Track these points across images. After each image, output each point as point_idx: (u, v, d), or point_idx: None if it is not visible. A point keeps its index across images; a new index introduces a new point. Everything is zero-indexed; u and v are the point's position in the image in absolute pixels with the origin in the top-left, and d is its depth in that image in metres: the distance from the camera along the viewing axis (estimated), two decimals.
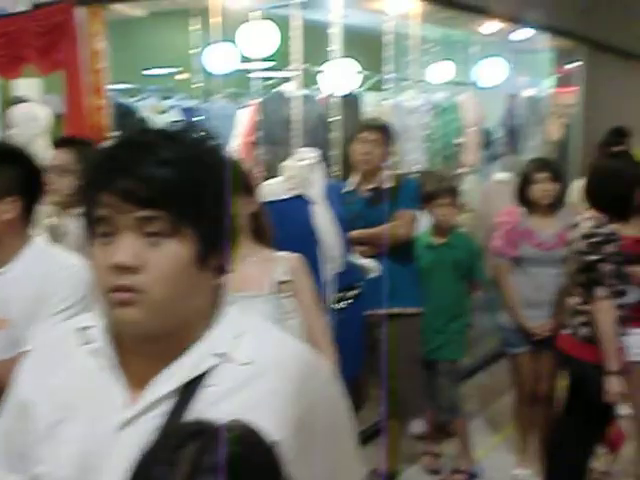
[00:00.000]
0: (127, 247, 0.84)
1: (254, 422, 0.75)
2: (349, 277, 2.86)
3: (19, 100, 3.97)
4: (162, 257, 0.85)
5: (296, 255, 2.03)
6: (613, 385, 2.56)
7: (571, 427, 2.79)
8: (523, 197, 3.23)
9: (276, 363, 0.90)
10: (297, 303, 1.99)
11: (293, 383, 0.89)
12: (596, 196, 2.69)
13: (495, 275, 3.31)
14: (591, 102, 5.54)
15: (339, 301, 2.83)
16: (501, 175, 4.64)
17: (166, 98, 4.28)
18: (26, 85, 4.19)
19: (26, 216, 1.76)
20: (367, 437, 3.56)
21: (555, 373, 3.15)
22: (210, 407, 0.84)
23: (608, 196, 2.65)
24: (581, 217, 2.73)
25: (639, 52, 6.38)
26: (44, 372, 0.96)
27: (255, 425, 0.75)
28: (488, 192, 4.60)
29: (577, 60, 5.60)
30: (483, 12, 4.07)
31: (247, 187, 1.95)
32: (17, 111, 3.86)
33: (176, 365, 0.88)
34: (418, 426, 3.52)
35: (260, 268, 1.97)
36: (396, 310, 3.11)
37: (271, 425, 0.78)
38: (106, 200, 0.84)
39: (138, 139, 0.90)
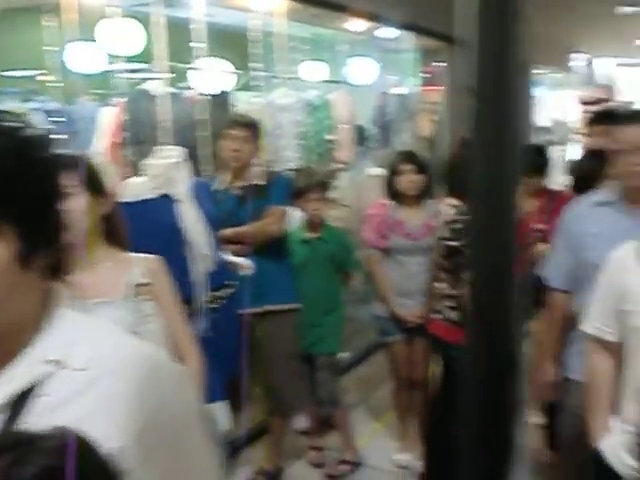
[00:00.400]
0: None
1: (85, 430, 0.70)
2: (221, 276, 2.81)
3: None
4: None
5: (154, 256, 1.95)
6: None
7: (446, 409, 2.90)
8: (391, 189, 3.31)
9: (114, 367, 0.85)
10: (157, 306, 1.92)
11: (134, 387, 0.84)
12: (454, 184, 2.80)
13: (367, 266, 3.38)
14: (456, 100, 5.80)
15: (212, 301, 2.77)
16: (373, 170, 4.75)
17: (27, 101, 4.04)
18: None
19: None
20: (252, 436, 3.53)
21: (428, 358, 3.26)
22: (44, 418, 0.78)
23: (464, 183, 2.76)
24: (443, 205, 2.83)
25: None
26: None
27: (84, 433, 0.70)
28: (362, 187, 4.70)
29: (441, 59, 5.84)
30: (346, 10, 4.14)
31: (97, 187, 1.85)
32: None
33: (4, 376, 0.81)
34: (301, 421, 3.53)
35: (115, 272, 1.87)
36: (272, 307, 3.10)
37: (110, 432, 0.75)
38: None
39: None
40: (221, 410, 2.66)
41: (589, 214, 2.23)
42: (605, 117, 3.28)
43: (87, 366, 0.84)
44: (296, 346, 3.19)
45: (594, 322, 1.81)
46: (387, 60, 5.50)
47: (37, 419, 0.78)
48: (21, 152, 0.82)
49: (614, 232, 2.13)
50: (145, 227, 2.65)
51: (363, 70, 5.18)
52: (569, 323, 2.29)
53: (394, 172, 3.28)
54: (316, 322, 3.22)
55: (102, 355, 0.86)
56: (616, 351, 1.77)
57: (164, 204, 2.65)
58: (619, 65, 11.86)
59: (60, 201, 0.87)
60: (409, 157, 3.35)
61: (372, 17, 4.42)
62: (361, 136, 5.22)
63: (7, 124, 0.83)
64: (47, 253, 0.84)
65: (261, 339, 3.13)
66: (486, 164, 0.59)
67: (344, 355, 4.13)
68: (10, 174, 0.79)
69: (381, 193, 3.46)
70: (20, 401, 0.81)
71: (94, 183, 1.82)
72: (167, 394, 0.89)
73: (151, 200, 2.65)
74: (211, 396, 2.56)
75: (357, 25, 4.67)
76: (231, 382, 2.83)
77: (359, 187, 4.75)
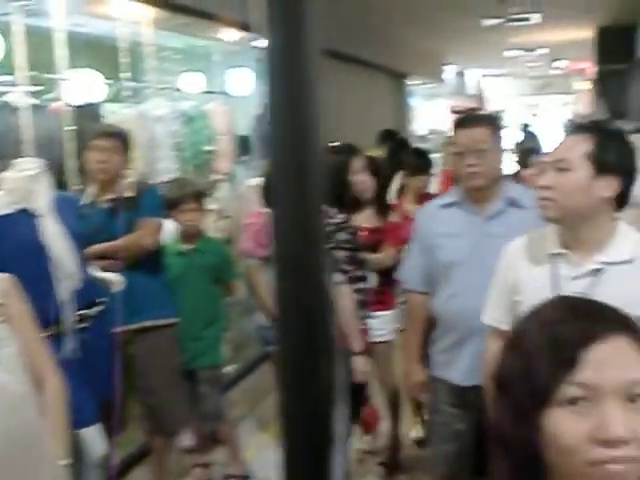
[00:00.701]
0: None
1: None
2: (90, 294, 2.68)
3: None
4: None
5: (6, 275, 1.82)
6: (359, 365, 2.71)
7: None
8: (269, 198, 3.31)
9: None
10: (11, 329, 1.79)
11: None
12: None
13: (247, 276, 3.35)
14: (327, 114, 5.88)
15: (81, 320, 2.64)
16: (254, 180, 4.74)
17: None
18: None
19: None
20: (135, 458, 3.39)
21: None
22: None
23: (330, 189, 2.80)
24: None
25: (373, 61, 6.95)
26: None
27: None
28: (242, 198, 4.67)
29: None
30: (215, 18, 4.11)
31: None
32: None
33: None
34: (186, 439, 3.43)
35: None
36: (148, 323, 3.00)
37: None
38: None
39: None
40: (94, 434, 2.54)
41: (437, 215, 2.32)
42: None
43: None
44: (176, 361, 3.10)
45: (491, 313, 1.87)
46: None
47: None
48: None
49: (461, 231, 2.23)
50: (4, 244, 2.50)
51: (240, 80, 5.16)
52: (431, 323, 2.37)
53: (270, 181, 3.28)
54: (196, 336, 3.14)
55: None
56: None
57: (23, 219, 2.51)
58: (487, 75, 12.58)
59: None
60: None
61: (244, 27, 4.42)
62: (245, 146, 5.19)
63: None
64: None
65: (137, 357, 3.01)
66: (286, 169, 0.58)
67: (229, 368, 4.07)
68: None
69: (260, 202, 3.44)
70: None
71: None
72: (9, 417, 0.83)
73: (9, 215, 2.50)
74: (83, 420, 2.44)
75: (231, 35, 4.65)
76: (105, 404, 2.71)
77: (240, 198, 4.72)
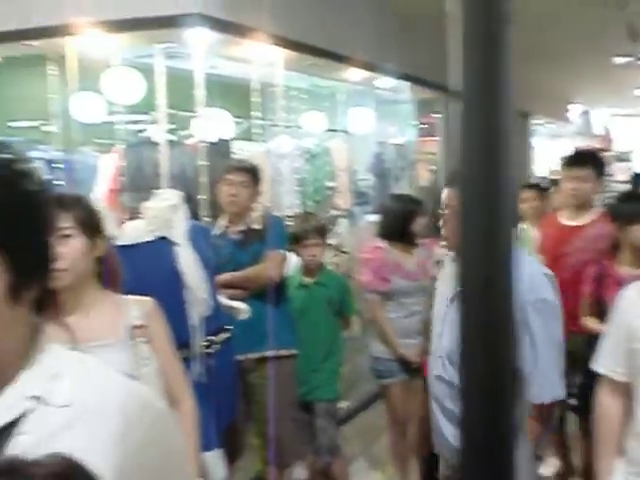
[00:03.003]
0: None
1: (77, 456, 0.68)
2: (218, 321, 2.78)
3: None
4: None
5: (148, 299, 1.93)
6: None
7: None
8: (389, 231, 3.34)
9: (99, 404, 0.82)
10: (152, 349, 1.89)
11: (119, 424, 0.82)
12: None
13: (367, 311, 3.35)
14: (451, 151, 5.86)
15: (208, 346, 2.73)
16: (372, 217, 4.77)
17: (30, 150, 4.09)
18: None
19: None
20: None
21: (426, 399, 3.20)
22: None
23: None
24: (437, 247, 2.85)
25: None
26: None
27: (77, 459, 0.67)
28: (361, 234, 4.70)
29: (437, 110, 5.94)
30: (344, 60, 4.23)
31: (94, 229, 1.85)
32: None
33: None
34: (299, 472, 3.43)
35: (111, 314, 1.85)
36: (269, 353, 3.05)
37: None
38: None
39: None
40: (216, 459, 2.59)
41: None
42: (576, 161, 3.32)
43: (70, 403, 0.81)
44: (294, 393, 3.13)
45: (605, 362, 1.79)
46: (385, 110, 5.59)
47: None
48: (14, 183, 0.82)
49: None
50: (143, 270, 2.63)
51: (361, 119, 5.26)
52: None
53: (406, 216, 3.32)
54: (315, 368, 3.17)
55: (84, 393, 0.83)
56: (625, 391, 1.73)
57: (161, 246, 2.65)
58: (615, 115, 12.07)
59: (50, 234, 0.86)
60: (415, 202, 3.43)
61: (370, 67, 4.51)
62: (359, 184, 5.26)
63: (1, 156, 0.83)
64: (36, 286, 0.82)
65: (258, 386, 3.07)
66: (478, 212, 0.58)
67: (343, 404, 4.06)
68: (4, 205, 0.79)
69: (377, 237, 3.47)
70: (0, 438, 0.78)
71: (91, 225, 1.82)
72: (152, 434, 0.86)
73: (148, 242, 2.65)
74: (206, 444, 2.50)
75: (355, 75, 4.76)
76: (227, 430, 2.77)
77: (358, 234, 4.76)
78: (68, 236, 1.74)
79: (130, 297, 1.89)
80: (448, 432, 2.03)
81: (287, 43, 3.65)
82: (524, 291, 1.83)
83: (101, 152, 4.15)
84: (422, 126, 6.19)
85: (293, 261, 3.31)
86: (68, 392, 0.82)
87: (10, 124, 4.35)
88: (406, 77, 5.10)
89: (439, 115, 5.99)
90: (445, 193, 2.12)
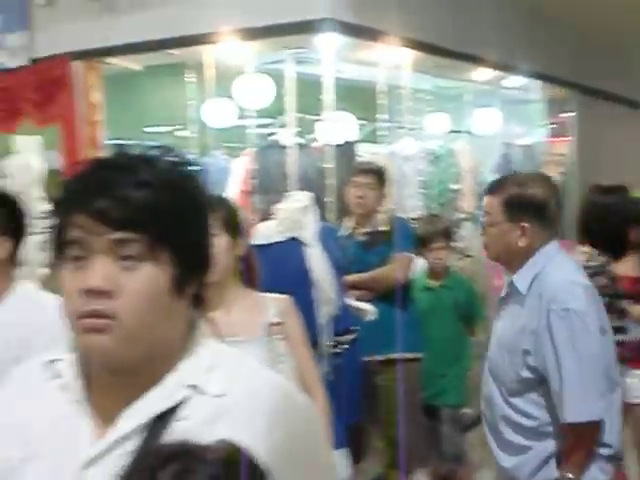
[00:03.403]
0: (100, 270, 0.80)
1: (242, 443, 0.71)
2: (345, 321, 2.81)
3: (16, 153, 4.03)
4: (137, 282, 0.81)
5: (285, 296, 1.99)
6: None
7: None
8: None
9: (249, 395, 0.86)
10: (287, 346, 1.94)
11: (268, 417, 0.85)
12: (588, 231, 2.68)
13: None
14: (585, 152, 5.58)
15: (335, 346, 2.77)
16: None
17: None
18: (25, 141, 4.24)
19: (12, 258, 1.75)
20: None
21: None
22: None
23: (600, 231, 2.63)
24: (575, 252, 2.71)
25: (633, 98, 6.46)
26: (11, 409, 0.92)
27: (243, 446, 0.71)
28: None
29: (570, 109, 5.67)
30: (474, 60, 4.14)
31: (236, 228, 1.93)
32: (11, 162, 3.91)
33: (146, 398, 0.84)
34: (422, 477, 3.39)
35: (250, 311, 1.92)
36: (395, 355, 3.04)
37: None
38: (79, 221, 0.81)
39: (114, 161, 0.88)
40: (341, 458, 2.62)
41: None
42: None
43: (224, 393, 0.85)
44: (419, 397, 3.10)
45: None
46: (512, 109, 5.41)
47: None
48: (179, 185, 0.87)
49: None
50: (274, 269, 2.72)
51: (487, 120, 5.13)
52: None
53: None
54: (441, 372, 3.13)
55: (238, 383, 0.87)
56: None
57: (292, 247, 2.71)
58: None
59: (210, 234, 0.91)
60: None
61: (499, 66, 4.39)
62: (485, 186, 5.12)
63: (169, 159, 0.89)
64: (196, 282, 0.87)
65: (383, 388, 3.07)
66: None
67: (468, 411, 3.97)
68: (172, 205, 0.84)
69: None
70: (159, 423, 0.83)
71: (233, 225, 1.90)
72: (297, 424, 0.89)
73: (280, 243, 2.72)
74: (332, 443, 2.53)
75: (482, 74, 4.65)
76: (351, 430, 2.79)
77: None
78: (213, 235, 1.83)
79: (268, 295, 1.96)
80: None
81: (416, 45, 3.63)
82: (548, 299, 1.77)
83: (231, 155, 4.32)
84: (552, 126, 5.93)
85: (419, 264, 3.28)
86: (222, 383, 0.86)
87: (146, 129, 4.63)
88: (537, 75, 4.91)
89: (571, 114, 5.72)
90: (485, 201, 2.01)
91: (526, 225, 1.87)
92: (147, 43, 3.46)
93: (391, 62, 3.93)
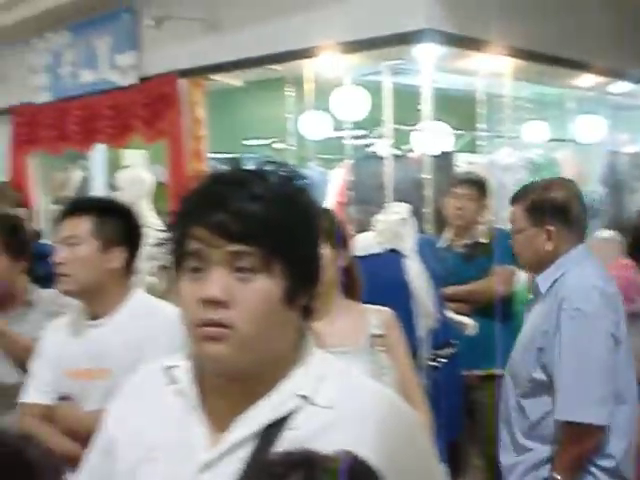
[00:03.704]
0: (218, 281, 0.83)
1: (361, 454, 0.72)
2: (444, 335, 2.77)
3: (126, 167, 4.25)
4: (252, 293, 0.84)
5: (388, 309, 1.98)
6: None
7: None
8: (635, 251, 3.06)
9: (359, 408, 0.87)
10: (390, 359, 1.93)
11: (377, 429, 0.86)
12: None
13: None
14: None
15: (433, 359, 2.73)
16: (605, 232, 4.42)
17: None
18: (133, 156, 4.47)
19: (128, 268, 1.83)
20: None
21: None
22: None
23: None
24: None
25: None
26: (130, 411, 0.96)
27: (364, 456, 0.72)
28: (592, 249, 4.38)
29: None
30: (580, 66, 3.99)
31: (340, 240, 1.94)
32: (123, 175, 4.12)
33: (258, 406, 0.87)
34: None
35: (353, 322, 1.93)
36: (495, 371, 2.96)
37: None
38: (198, 234, 0.84)
39: (231, 175, 0.91)
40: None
41: None
42: None
43: (333, 405, 0.86)
44: None
45: None
46: (618, 116, 5.17)
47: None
48: (292, 199, 0.89)
49: None
50: (372, 280, 2.72)
51: (591, 127, 4.92)
52: None
53: None
54: None
55: (348, 396, 0.88)
56: None
57: (391, 259, 2.71)
58: None
59: (320, 246, 0.92)
60: None
61: (606, 72, 4.21)
62: (588, 197, 4.92)
63: (283, 174, 0.91)
64: (306, 294, 0.89)
65: (482, 404, 2.99)
66: None
67: None
68: (287, 218, 0.86)
69: (614, 257, 3.20)
70: (271, 431, 0.85)
71: (336, 235, 1.91)
72: (406, 436, 0.89)
73: (378, 254, 2.72)
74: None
75: (586, 81, 4.47)
76: (450, 446, 2.73)
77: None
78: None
79: (370, 306, 1.96)
80: None
81: (518, 52, 3.54)
82: (562, 299, 1.79)
83: (327, 167, 4.37)
84: None
85: (521, 277, 3.18)
86: (332, 395, 0.87)
87: (244, 142, 4.76)
88: None
89: None
90: (510, 210, 2.03)
91: (551, 228, 1.90)
92: (250, 60, 3.56)
93: (490, 70, 3.85)
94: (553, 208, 1.91)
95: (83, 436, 1.47)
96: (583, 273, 1.87)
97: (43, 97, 4.69)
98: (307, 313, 0.91)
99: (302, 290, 0.88)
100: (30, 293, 2.17)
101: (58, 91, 4.59)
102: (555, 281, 1.87)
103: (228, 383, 0.88)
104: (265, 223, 0.84)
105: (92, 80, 4.31)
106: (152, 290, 2.82)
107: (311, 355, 0.91)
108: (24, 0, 4.27)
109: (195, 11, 3.71)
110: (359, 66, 3.73)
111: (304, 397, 0.86)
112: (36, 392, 1.78)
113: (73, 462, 1.16)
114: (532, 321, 1.95)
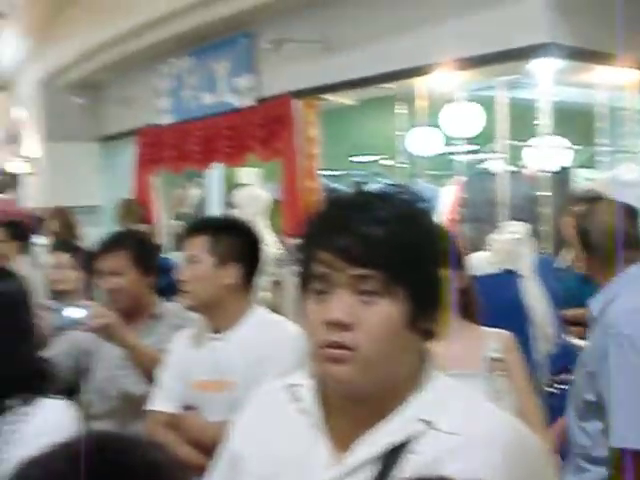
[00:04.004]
0: (342, 304, 0.85)
1: None
2: (563, 359, 2.66)
3: (242, 185, 4.40)
4: (375, 316, 0.85)
5: (507, 332, 1.93)
6: None
7: None
8: None
9: (485, 435, 0.85)
10: (509, 383, 1.88)
11: (504, 455, 0.84)
12: None
13: None
14: None
15: (551, 385, 2.63)
16: None
17: (370, 182, 4.48)
18: (248, 174, 4.63)
19: (247, 283, 1.89)
20: None
21: None
22: (413, 475, 0.81)
23: None
24: None
25: None
26: (255, 427, 0.99)
27: None
28: None
29: None
30: None
31: (457, 260, 1.92)
32: (240, 193, 4.27)
33: (381, 429, 0.87)
34: None
35: (470, 345, 1.90)
36: None
37: None
38: (323, 258, 0.86)
39: (353, 199, 0.92)
40: None
41: None
42: None
43: (457, 431, 0.85)
44: None
45: None
46: None
47: (407, 475, 0.81)
48: (415, 221, 0.89)
49: None
50: (486, 301, 2.67)
51: None
52: None
53: None
54: None
55: (473, 422, 0.86)
56: None
57: (507, 279, 2.64)
58: None
59: (442, 269, 0.91)
60: None
61: None
62: None
63: (405, 196, 0.92)
64: (429, 317, 0.89)
65: None
66: None
67: None
68: (410, 241, 0.86)
69: None
70: (392, 455, 0.85)
71: (454, 256, 1.89)
72: (533, 465, 0.87)
73: (494, 275, 2.66)
74: None
75: None
76: None
77: None
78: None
79: (488, 329, 1.92)
80: None
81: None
82: (608, 324, 1.76)
83: (436, 184, 4.32)
84: None
85: None
86: (456, 420, 0.86)
87: (351, 159, 4.81)
88: None
89: None
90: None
91: None
92: (363, 79, 3.61)
93: (612, 83, 3.69)
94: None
95: (207, 446, 1.53)
96: (632, 297, 1.82)
97: (166, 119, 4.96)
98: (428, 336, 0.91)
99: (424, 313, 0.88)
100: (157, 306, 2.27)
101: (180, 113, 4.85)
102: (607, 303, 1.85)
103: (350, 404, 0.89)
104: (388, 247, 0.84)
105: (212, 102, 4.51)
106: (265, 304, 2.90)
107: (433, 379, 0.90)
108: (151, 27, 4.55)
109: (309, 33, 3.81)
110: (472, 81, 3.69)
111: (427, 422, 0.86)
112: (163, 400, 1.86)
113: (197, 471, 1.21)
114: (588, 344, 1.95)
